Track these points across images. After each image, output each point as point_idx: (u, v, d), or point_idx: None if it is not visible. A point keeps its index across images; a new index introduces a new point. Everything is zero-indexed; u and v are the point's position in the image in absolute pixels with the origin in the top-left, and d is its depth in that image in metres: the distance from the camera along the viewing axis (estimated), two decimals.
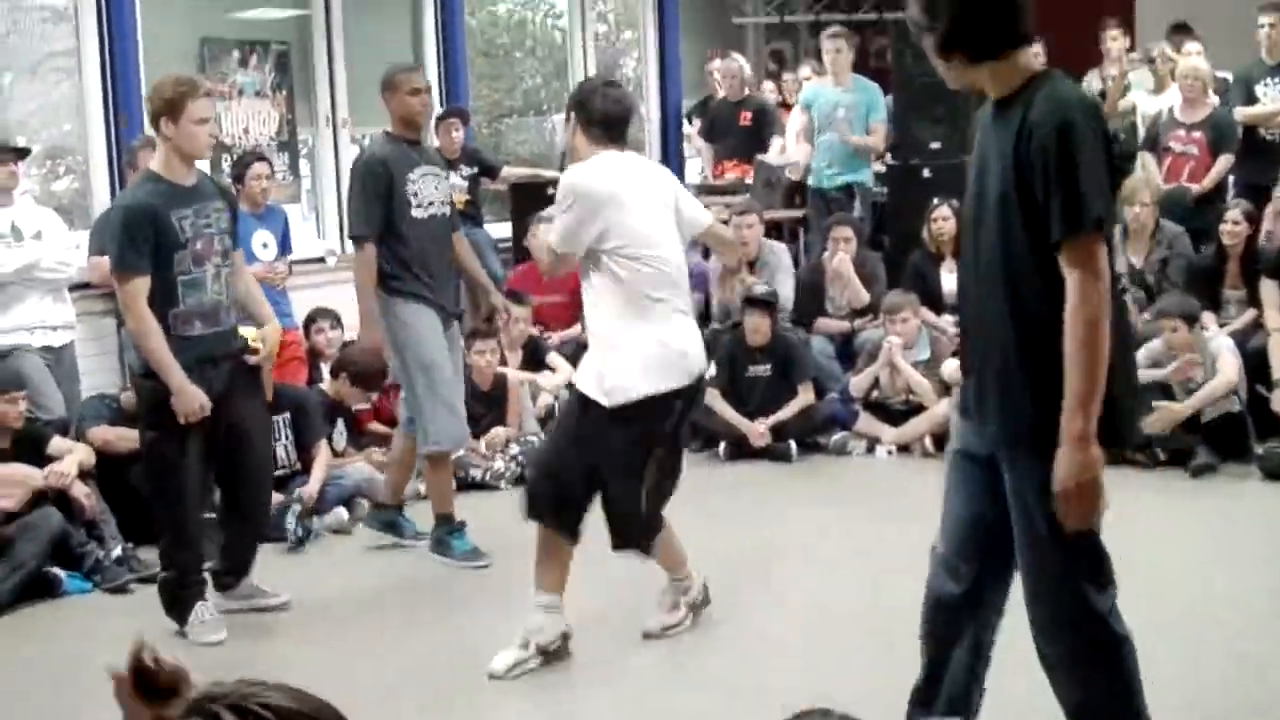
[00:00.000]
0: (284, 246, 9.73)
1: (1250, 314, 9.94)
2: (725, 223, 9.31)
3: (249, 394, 6.97)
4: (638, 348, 5.91)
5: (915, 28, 4.15)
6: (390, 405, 9.60)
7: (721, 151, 13.48)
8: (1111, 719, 4.27)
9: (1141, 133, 11.82)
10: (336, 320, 9.75)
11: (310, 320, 9.62)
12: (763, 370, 10.09)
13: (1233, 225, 10.12)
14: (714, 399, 9.61)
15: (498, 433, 9.38)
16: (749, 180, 12.66)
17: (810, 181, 12.22)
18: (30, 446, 7.81)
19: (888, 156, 12.67)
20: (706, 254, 10.75)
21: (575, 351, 10.27)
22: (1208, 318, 9.66)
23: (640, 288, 5.93)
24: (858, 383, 10.21)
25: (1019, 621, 4.28)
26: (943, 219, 10.78)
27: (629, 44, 16.13)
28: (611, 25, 16.98)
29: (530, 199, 11.23)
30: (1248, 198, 10.77)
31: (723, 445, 10.04)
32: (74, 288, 8.87)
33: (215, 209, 6.67)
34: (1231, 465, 8.96)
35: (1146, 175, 11.26)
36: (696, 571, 6.54)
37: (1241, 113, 11.28)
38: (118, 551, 7.65)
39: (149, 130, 9.20)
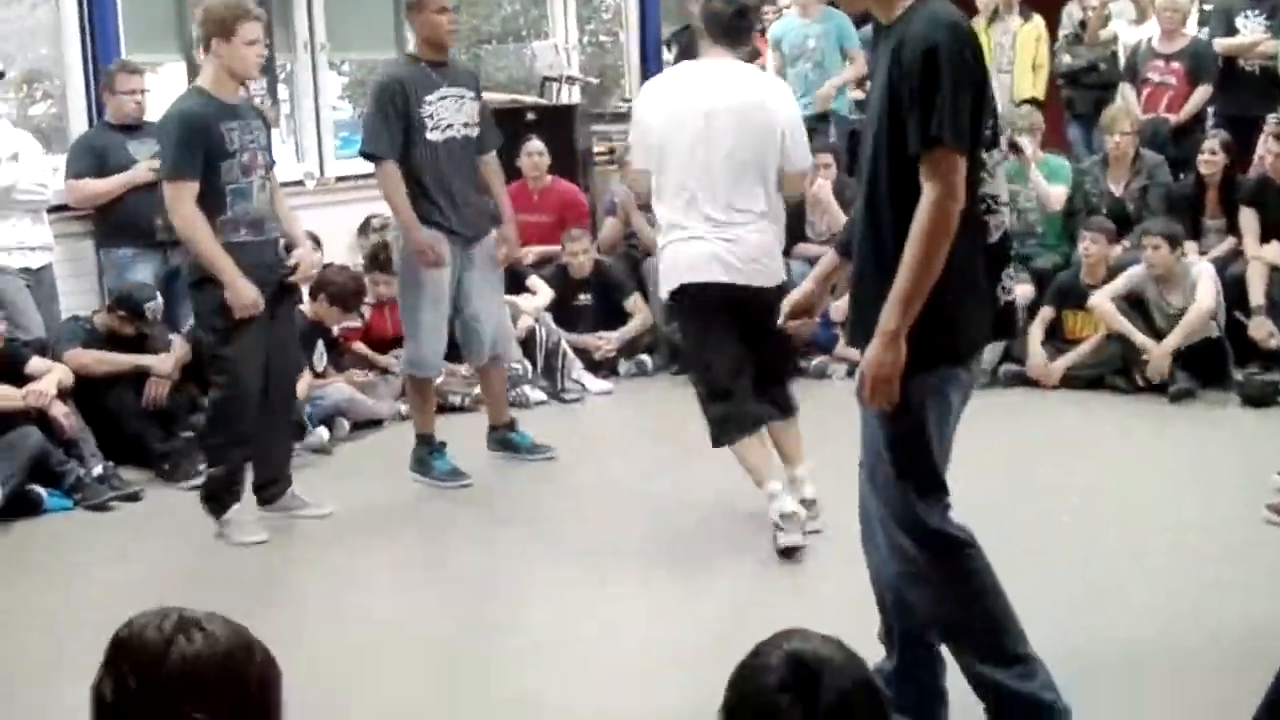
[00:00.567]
0: None
1: (1229, 242, 9.97)
2: None
3: (287, 304, 7.16)
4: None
5: None
6: (384, 325, 9.62)
7: None
8: (965, 628, 4.27)
9: (1122, 63, 11.82)
10: (316, 242, 9.72)
11: (289, 244, 9.57)
12: None
13: (1210, 155, 10.13)
14: None
15: None
16: None
17: None
18: (9, 366, 7.78)
19: (867, 84, 12.63)
20: None
21: (554, 273, 10.32)
22: (1188, 246, 9.69)
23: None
24: (839, 306, 10.20)
25: None
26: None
27: None
28: None
29: (510, 125, 11.21)
30: (1226, 128, 10.78)
31: None
32: (52, 210, 8.81)
33: (256, 126, 6.92)
34: (1210, 391, 9.00)
35: (1125, 105, 11.26)
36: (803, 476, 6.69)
37: (1221, 43, 11.27)
38: (98, 469, 7.65)
39: (124, 54, 9.28)
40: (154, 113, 9.09)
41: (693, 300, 6.52)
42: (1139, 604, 5.67)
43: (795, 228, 10.93)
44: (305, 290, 9.20)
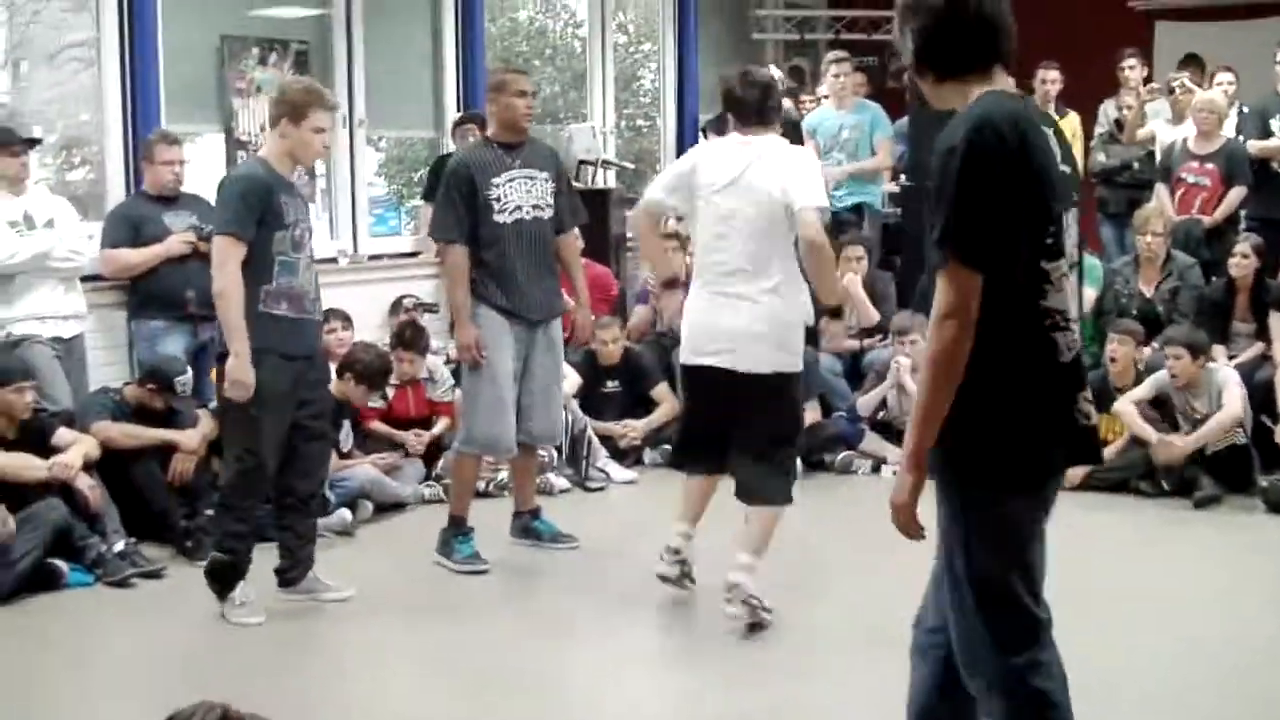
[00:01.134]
0: None
1: (1258, 346, 9.97)
2: None
3: (323, 389, 7.23)
4: None
5: (896, 46, 4.04)
6: (405, 405, 9.62)
7: None
8: None
9: (1157, 162, 11.84)
10: (347, 320, 9.76)
11: (322, 320, 9.58)
12: None
13: (1241, 259, 10.14)
14: None
15: None
16: None
17: None
18: (35, 437, 7.80)
19: (902, 178, 12.69)
20: None
21: (583, 359, 10.31)
22: (1217, 350, 9.68)
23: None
24: (865, 402, 10.23)
25: None
26: None
27: (648, 55, 16.15)
28: (631, 36, 17.01)
29: None
30: (1259, 231, 10.78)
31: None
32: (85, 279, 8.85)
33: (305, 209, 7.01)
34: (1235, 497, 8.97)
35: (1159, 205, 11.27)
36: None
37: (1255, 145, 11.30)
38: (120, 545, 7.62)
39: (164, 124, 9.34)
40: (191, 184, 9.18)
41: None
42: (1158, 712, 5.63)
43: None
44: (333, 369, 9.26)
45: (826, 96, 12.59)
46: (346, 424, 9.07)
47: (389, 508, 9.02)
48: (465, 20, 12.13)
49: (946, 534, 3.88)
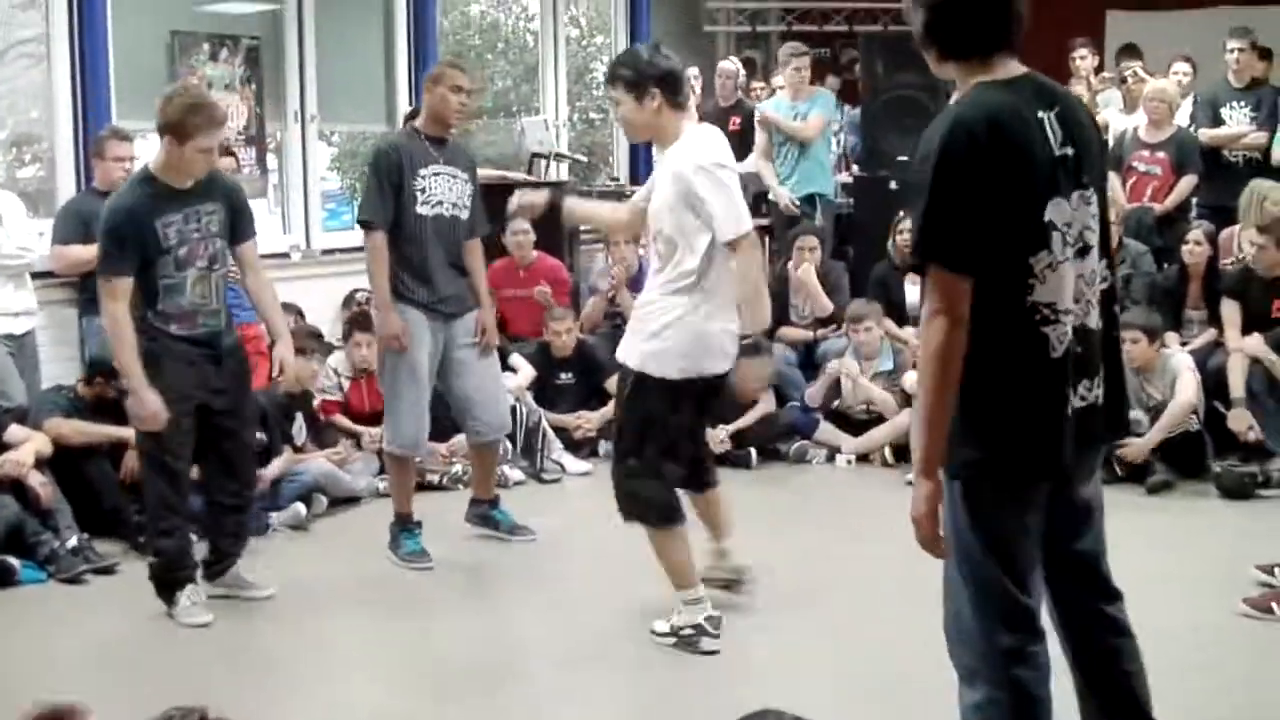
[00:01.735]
0: None
1: (1210, 333, 10.00)
2: None
3: (235, 389, 7.03)
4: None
5: (906, 13, 4.02)
6: (361, 399, 9.60)
7: None
8: None
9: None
10: (300, 314, 9.73)
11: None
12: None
13: (1194, 246, 10.17)
14: None
15: (459, 439, 9.30)
16: None
17: (770, 196, 12.22)
18: None
19: (855, 168, 12.72)
20: None
21: (536, 351, 10.30)
22: (1170, 336, 9.73)
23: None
24: (812, 394, 10.26)
25: None
26: (908, 231, 10.81)
27: (600, 49, 16.15)
28: (583, 30, 17.02)
29: (498, 200, 11.22)
30: (1210, 219, 10.83)
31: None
32: (37, 275, 8.81)
33: (208, 212, 6.78)
34: (1189, 483, 9.01)
35: (1111, 193, 11.29)
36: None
37: (1206, 134, 11.38)
38: (73, 542, 7.58)
39: (115, 120, 9.30)
40: None
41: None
42: None
43: (779, 311, 10.99)
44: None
45: (782, 87, 12.58)
46: (299, 417, 9.05)
47: (343, 501, 9.00)
48: (417, 14, 12.13)
49: (945, 516, 3.87)
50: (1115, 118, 12.06)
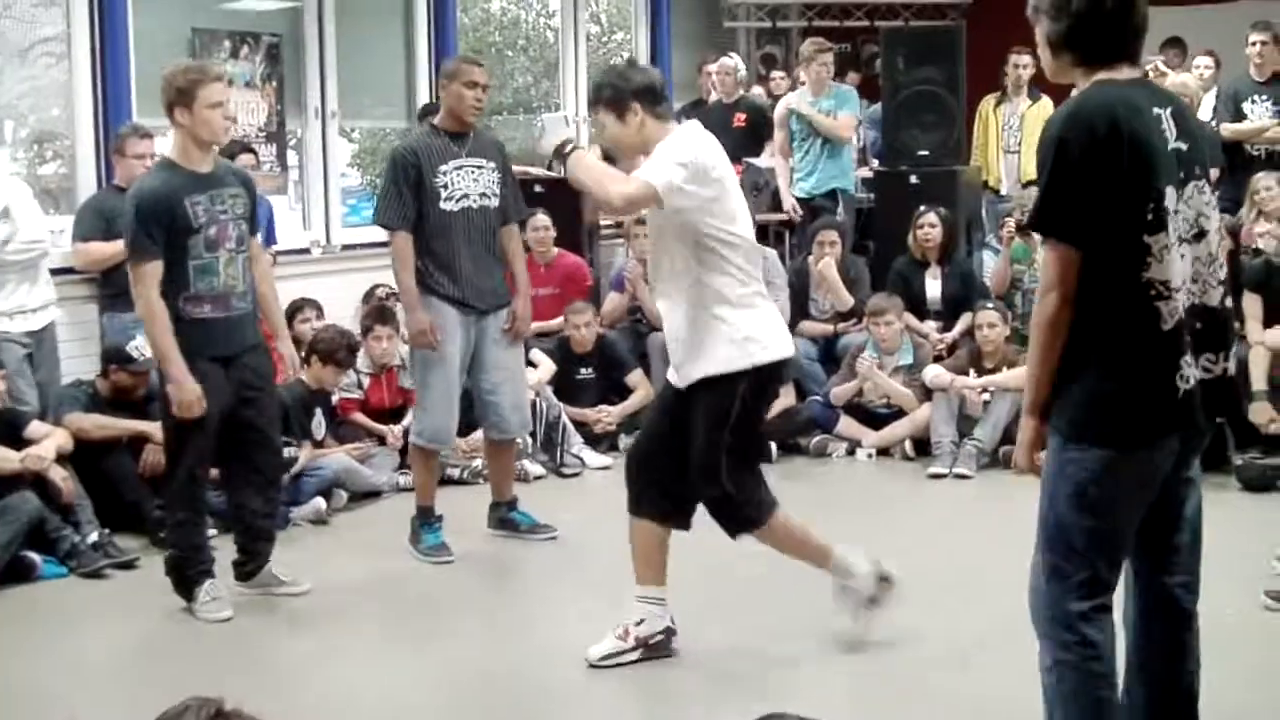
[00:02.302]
0: (268, 238, 9.69)
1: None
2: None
3: (262, 388, 7.02)
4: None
5: (1034, 12, 4.26)
6: (381, 395, 9.60)
7: None
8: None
9: None
10: (320, 310, 9.74)
11: (294, 310, 9.59)
12: None
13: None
14: None
15: (479, 434, 9.30)
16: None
17: (793, 189, 12.22)
18: (8, 429, 7.79)
19: (875, 163, 12.72)
20: None
21: (556, 346, 10.31)
22: None
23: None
24: (838, 394, 10.23)
25: None
26: (929, 225, 10.82)
27: (621, 45, 16.14)
28: (604, 26, 17.02)
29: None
30: (1232, 212, 10.79)
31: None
32: (57, 272, 8.82)
33: (231, 195, 6.80)
34: (1209, 475, 8.94)
35: None
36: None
37: (1228, 129, 11.32)
38: (94, 537, 7.62)
39: (135, 118, 9.31)
40: None
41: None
42: None
43: (799, 304, 11.00)
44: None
45: (803, 82, 12.56)
46: (319, 412, 9.06)
47: (363, 496, 9.02)
48: (437, 11, 12.14)
49: (1044, 479, 4.16)
50: None
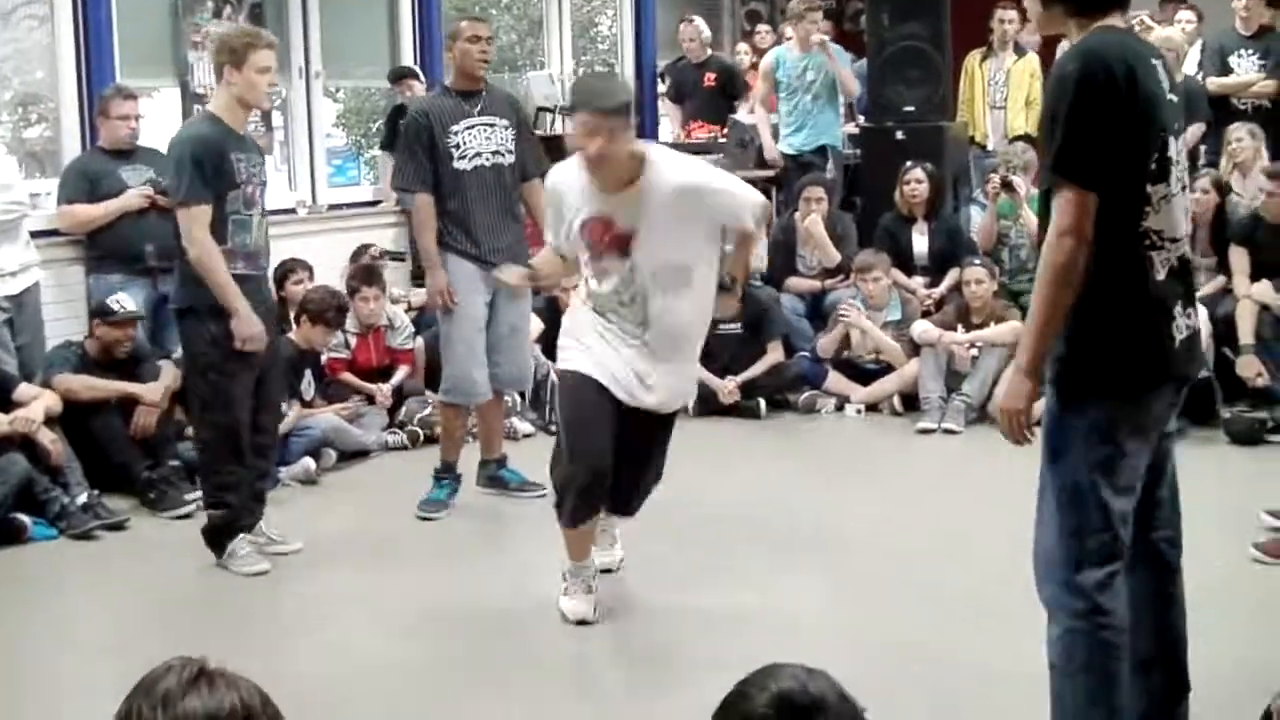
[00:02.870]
0: None
1: (1219, 280, 9.97)
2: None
3: (274, 347, 7.12)
4: None
5: None
6: (369, 354, 9.59)
7: (689, 112, 13.60)
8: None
9: None
10: (311, 272, 9.72)
11: (286, 272, 9.56)
12: (733, 328, 10.00)
13: (1201, 194, 10.12)
14: None
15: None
16: (722, 139, 12.68)
17: (781, 145, 12.22)
18: None
19: (861, 119, 12.69)
20: None
21: (544, 305, 10.28)
22: None
23: None
24: (824, 345, 10.26)
25: None
26: (915, 181, 10.81)
27: (605, 2, 16.08)
28: None
29: None
30: (1218, 167, 10.80)
31: (691, 401, 10.01)
32: (42, 234, 8.79)
33: (258, 161, 6.95)
34: (1198, 429, 8.99)
35: None
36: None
37: (1215, 82, 11.33)
38: (84, 498, 7.61)
39: (119, 79, 9.28)
40: (147, 138, 9.12)
41: None
42: None
43: (786, 261, 11.00)
44: None
45: (789, 37, 12.52)
46: (308, 373, 9.05)
47: (352, 455, 9.02)
48: None
49: (1045, 437, 4.07)
50: None
